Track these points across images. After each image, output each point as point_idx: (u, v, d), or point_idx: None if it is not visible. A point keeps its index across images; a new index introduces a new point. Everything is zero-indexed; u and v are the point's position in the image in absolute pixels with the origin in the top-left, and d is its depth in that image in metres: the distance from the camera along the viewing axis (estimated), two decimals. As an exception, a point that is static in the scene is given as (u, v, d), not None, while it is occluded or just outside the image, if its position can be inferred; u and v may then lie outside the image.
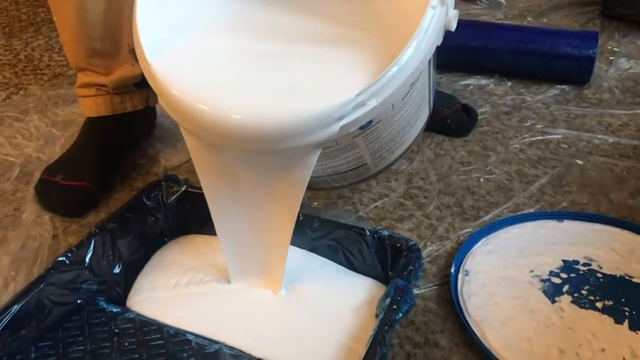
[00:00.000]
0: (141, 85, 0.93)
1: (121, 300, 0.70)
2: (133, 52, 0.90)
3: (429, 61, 0.65)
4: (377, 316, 0.63)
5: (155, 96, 0.97)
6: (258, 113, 0.55)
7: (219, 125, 0.56)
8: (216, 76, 0.60)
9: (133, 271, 0.73)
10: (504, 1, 0.99)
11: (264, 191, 0.63)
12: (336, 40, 0.64)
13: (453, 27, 0.62)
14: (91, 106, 0.93)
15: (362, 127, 0.60)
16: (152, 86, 0.61)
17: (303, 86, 0.59)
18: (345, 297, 0.67)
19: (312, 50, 0.64)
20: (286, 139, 0.55)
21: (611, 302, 0.66)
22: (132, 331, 0.64)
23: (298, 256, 0.72)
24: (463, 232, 0.79)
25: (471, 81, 1.15)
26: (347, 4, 0.70)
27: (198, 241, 0.78)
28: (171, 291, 0.69)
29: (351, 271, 0.71)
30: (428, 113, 0.78)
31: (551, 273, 0.71)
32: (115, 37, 0.89)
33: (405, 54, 0.56)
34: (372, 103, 0.56)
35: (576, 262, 0.72)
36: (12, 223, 0.85)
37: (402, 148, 0.75)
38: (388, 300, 0.60)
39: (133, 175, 0.94)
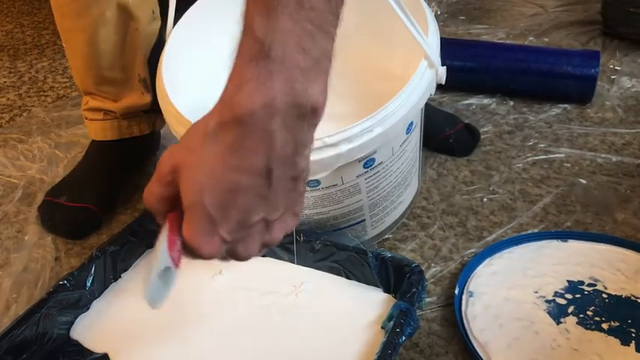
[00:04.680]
0: (148, 109, 0.93)
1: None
2: (143, 81, 0.90)
3: (420, 130, 0.76)
4: (383, 328, 0.63)
5: (162, 120, 0.98)
6: None
7: None
8: None
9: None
10: None
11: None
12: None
13: (443, 81, 0.70)
14: (97, 130, 0.93)
15: (366, 165, 0.67)
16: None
17: None
18: (355, 310, 0.67)
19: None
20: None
21: (617, 323, 0.66)
22: (133, 354, 0.64)
23: (307, 272, 0.72)
24: (467, 252, 0.79)
25: (473, 100, 1.15)
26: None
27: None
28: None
29: (361, 284, 0.70)
30: (417, 187, 0.86)
31: (556, 294, 0.70)
32: (126, 66, 0.89)
33: (405, 92, 0.64)
34: (378, 130, 0.62)
35: (581, 283, 0.71)
36: (14, 245, 0.85)
37: (395, 215, 0.80)
38: (391, 323, 0.60)
39: (135, 197, 0.94)
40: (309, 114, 0.40)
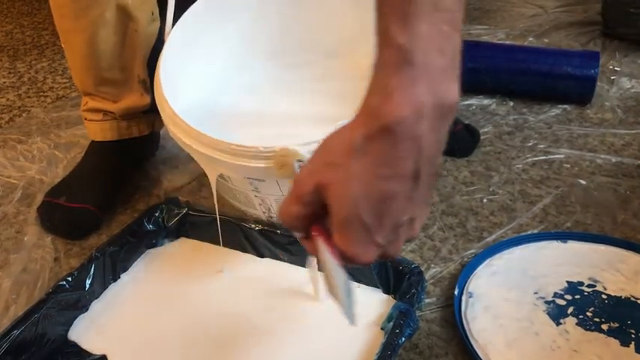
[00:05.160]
0: (148, 110, 0.93)
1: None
2: (143, 82, 0.90)
3: None
4: (382, 329, 0.63)
5: (161, 121, 0.98)
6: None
7: None
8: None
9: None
10: None
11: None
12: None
13: None
14: (96, 131, 0.93)
15: None
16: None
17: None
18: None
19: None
20: None
21: (616, 324, 0.66)
22: (132, 355, 0.64)
23: (307, 272, 0.72)
24: (467, 253, 0.79)
25: (473, 101, 1.15)
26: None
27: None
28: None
29: (360, 284, 0.70)
30: None
31: (555, 294, 0.70)
32: (125, 67, 0.89)
33: None
34: None
35: (581, 284, 0.71)
36: (14, 245, 0.85)
37: None
38: (391, 324, 0.60)
39: (135, 197, 0.94)
40: (449, 113, 0.41)
